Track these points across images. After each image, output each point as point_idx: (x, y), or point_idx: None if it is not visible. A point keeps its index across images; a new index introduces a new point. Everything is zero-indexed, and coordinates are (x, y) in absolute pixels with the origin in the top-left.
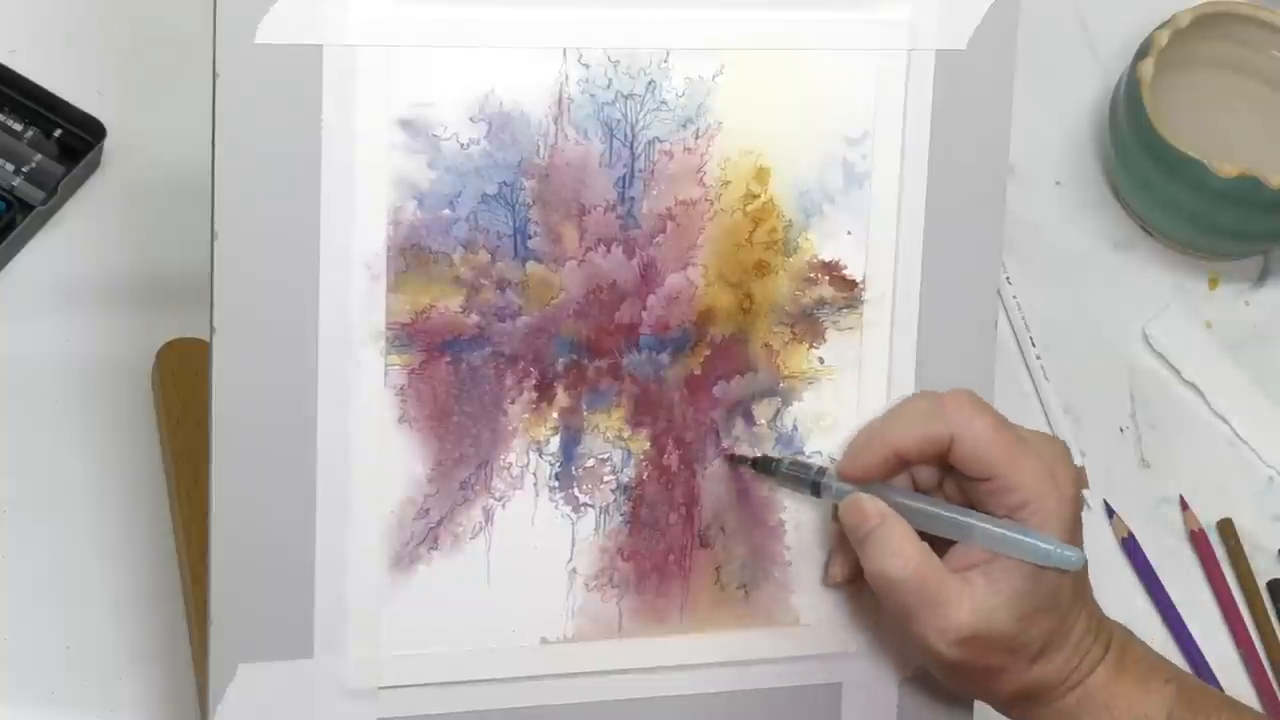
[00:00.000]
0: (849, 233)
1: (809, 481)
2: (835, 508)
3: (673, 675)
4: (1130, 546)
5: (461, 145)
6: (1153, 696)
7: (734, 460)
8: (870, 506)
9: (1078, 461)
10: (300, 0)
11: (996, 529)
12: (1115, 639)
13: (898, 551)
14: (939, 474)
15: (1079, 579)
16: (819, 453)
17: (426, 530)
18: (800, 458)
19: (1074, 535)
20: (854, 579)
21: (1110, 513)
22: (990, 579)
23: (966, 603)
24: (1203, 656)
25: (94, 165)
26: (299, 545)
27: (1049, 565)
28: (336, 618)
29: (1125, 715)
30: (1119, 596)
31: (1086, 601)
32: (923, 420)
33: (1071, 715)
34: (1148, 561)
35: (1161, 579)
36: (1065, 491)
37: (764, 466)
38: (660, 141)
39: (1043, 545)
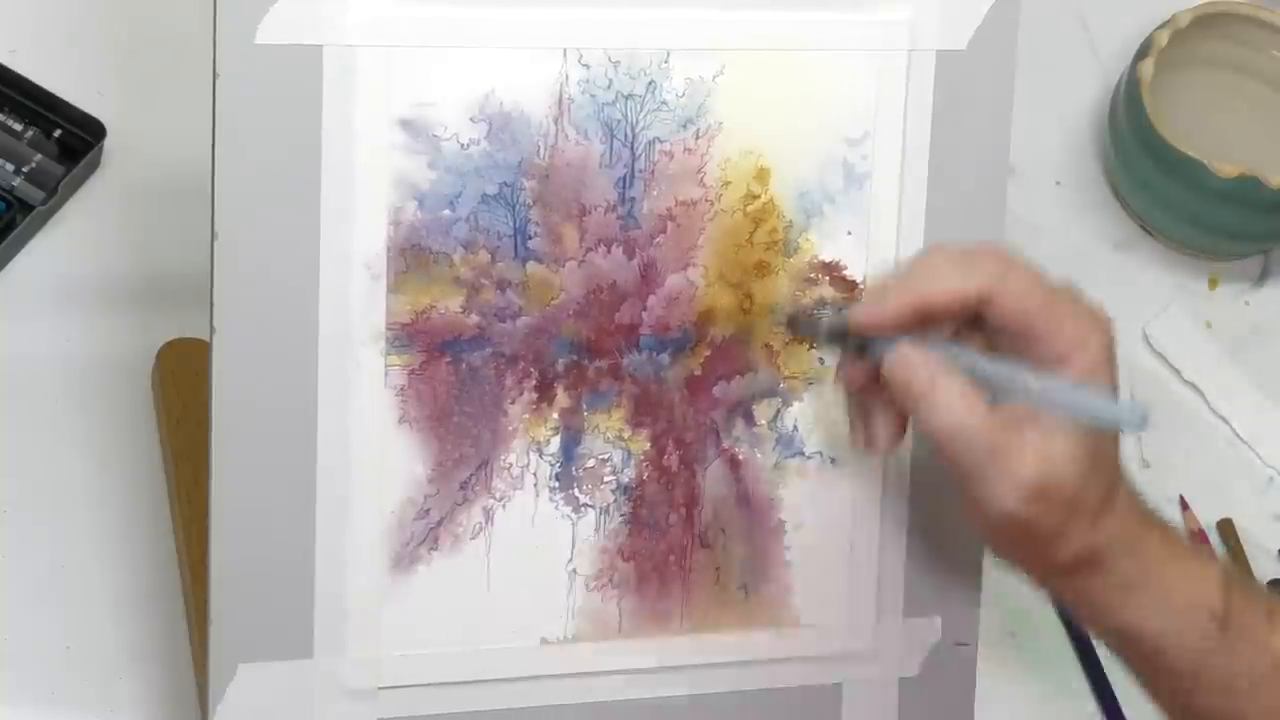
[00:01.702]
0: (849, 233)
1: (839, 334)
2: (842, 367)
3: (673, 675)
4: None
5: (462, 145)
6: (1207, 568)
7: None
8: (923, 358)
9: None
10: (300, 0)
11: (1058, 386)
12: (1152, 506)
13: (951, 404)
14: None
15: (1115, 435)
16: (819, 452)
17: (426, 530)
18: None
19: (1115, 384)
20: (893, 442)
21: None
22: (1044, 431)
23: (1030, 451)
24: None
25: (94, 165)
26: (299, 545)
27: (1112, 427)
28: (336, 618)
29: (1182, 583)
30: None
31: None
32: (953, 273)
33: (1128, 584)
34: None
35: None
36: (1104, 339)
37: (794, 325)
38: (660, 142)
39: (1105, 405)
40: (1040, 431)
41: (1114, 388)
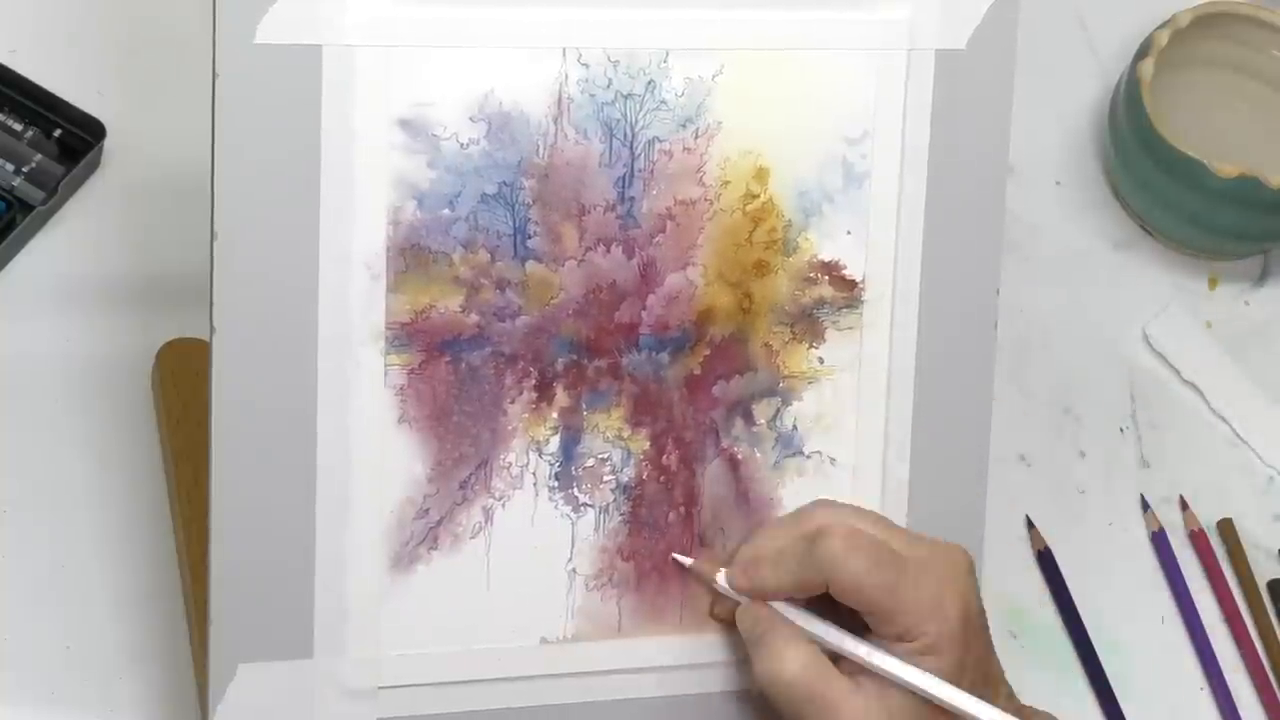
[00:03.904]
0: (849, 232)
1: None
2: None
3: (673, 675)
4: (1159, 540)
5: (461, 145)
6: None
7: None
8: (761, 612)
9: (1077, 461)
10: (299, 0)
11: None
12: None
13: (783, 655)
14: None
15: (984, 690)
16: (819, 451)
17: (426, 530)
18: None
19: (962, 655)
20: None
21: (1145, 506)
22: (880, 683)
23: (854, 704)
24: (1215, 657)
25: (94, 165)
26: (299, 545)
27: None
28: (336, 618)
29: None
30: (1143, 590)
31: (1008, 704)
32: (800, 562)
33: None
34: (1173, 555)
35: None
36: (949, 618)
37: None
38: (660, 141)
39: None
40: (872, 687)
41: (964, 653)
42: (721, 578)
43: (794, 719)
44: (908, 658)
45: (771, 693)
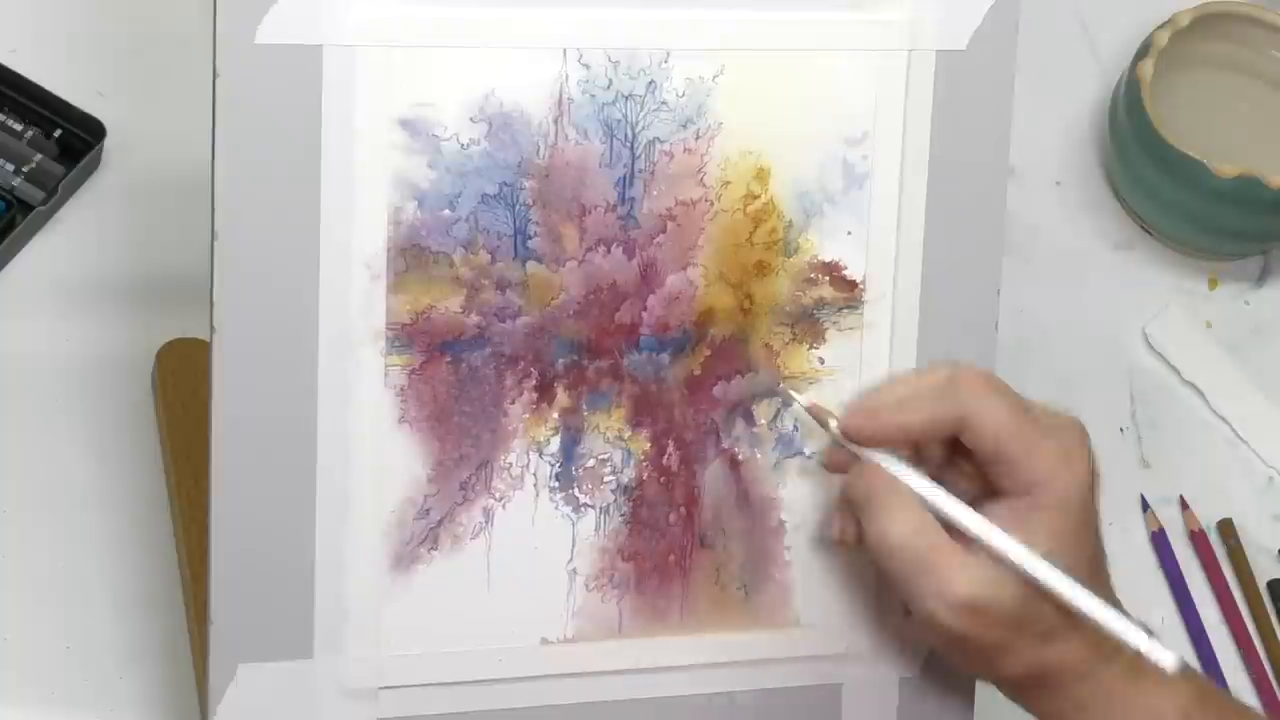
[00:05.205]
0: (849, 233)
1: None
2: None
3: (673, 675)
4: (1159, 540)
5: (462, 145)
6: (1168, 694)
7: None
8: (875, 473)
9: None
10: (300, 0)
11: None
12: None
13: (894, 518)
14: (946, 449)
15: (1096, 563)
16: (820, 452)
17: (426, 530)
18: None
19: (1085, 519)
20: (859, 542)
21: (1145, 506)
22: (989, 555)
23: (967, 570)
24: (1215, 657)
25: (94, 165)
26: (299, 545)
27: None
28: (336, 618)
29: (1140, 711)
30: (1144, 590)
31: (1105, 589)
32: (935, 400)
33: (1083, 706)
34: (1173, 555)
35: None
36: (1078, 476)
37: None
38: (660, 142)
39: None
40: (973, 560)
41: (1085, 515)
42: (834, 425)
43: (900, 582)
44: (1031, 515)
45: (880, 554)
